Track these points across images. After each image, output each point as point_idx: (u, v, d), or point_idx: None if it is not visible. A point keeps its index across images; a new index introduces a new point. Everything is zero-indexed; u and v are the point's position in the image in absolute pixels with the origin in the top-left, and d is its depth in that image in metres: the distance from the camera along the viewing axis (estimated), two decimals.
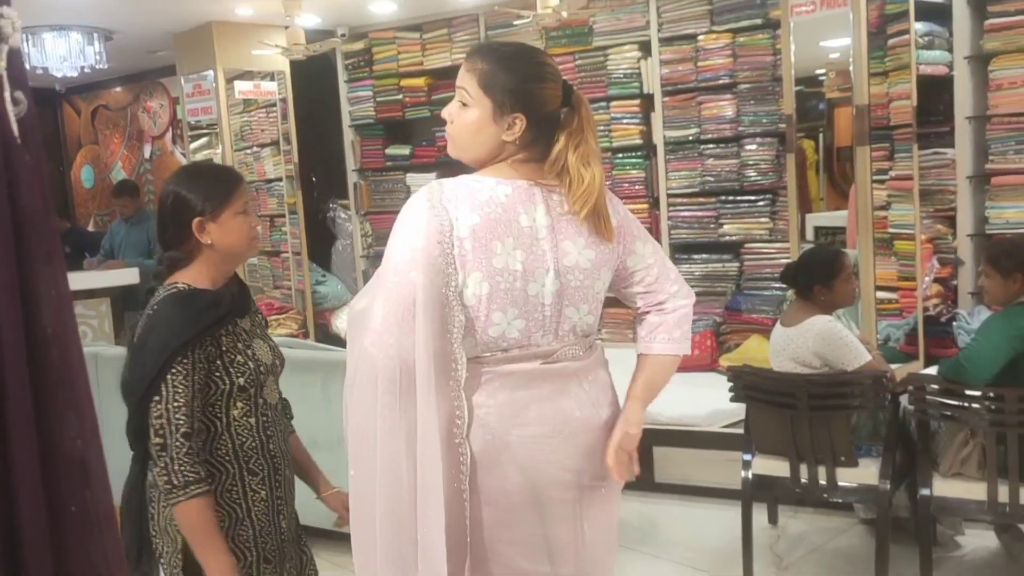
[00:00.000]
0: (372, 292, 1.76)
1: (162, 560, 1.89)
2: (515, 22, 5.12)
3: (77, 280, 5.38)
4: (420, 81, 6.52)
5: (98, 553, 0.92)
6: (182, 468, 1.77)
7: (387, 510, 1.70)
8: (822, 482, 3.32)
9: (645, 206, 5.72)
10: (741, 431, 3.69)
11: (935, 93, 4.63)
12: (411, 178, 6.65)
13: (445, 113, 1.85)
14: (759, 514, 3.79)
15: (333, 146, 6.87)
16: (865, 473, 3.28)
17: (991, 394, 3.02)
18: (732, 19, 5.32)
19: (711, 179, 5.54)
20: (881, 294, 4.39)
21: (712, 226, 5.59)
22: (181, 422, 1.78)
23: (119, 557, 0.96)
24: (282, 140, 6.71)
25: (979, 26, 4.50)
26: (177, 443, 1.77)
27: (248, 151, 7.16)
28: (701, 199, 5.60)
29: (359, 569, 1.81)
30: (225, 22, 6.01)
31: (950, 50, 4.61)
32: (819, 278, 3.42)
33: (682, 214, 5.66)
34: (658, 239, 5.49)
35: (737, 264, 5.56)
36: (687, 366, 5.06)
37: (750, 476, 3.47)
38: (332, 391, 3.43)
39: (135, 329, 1.92)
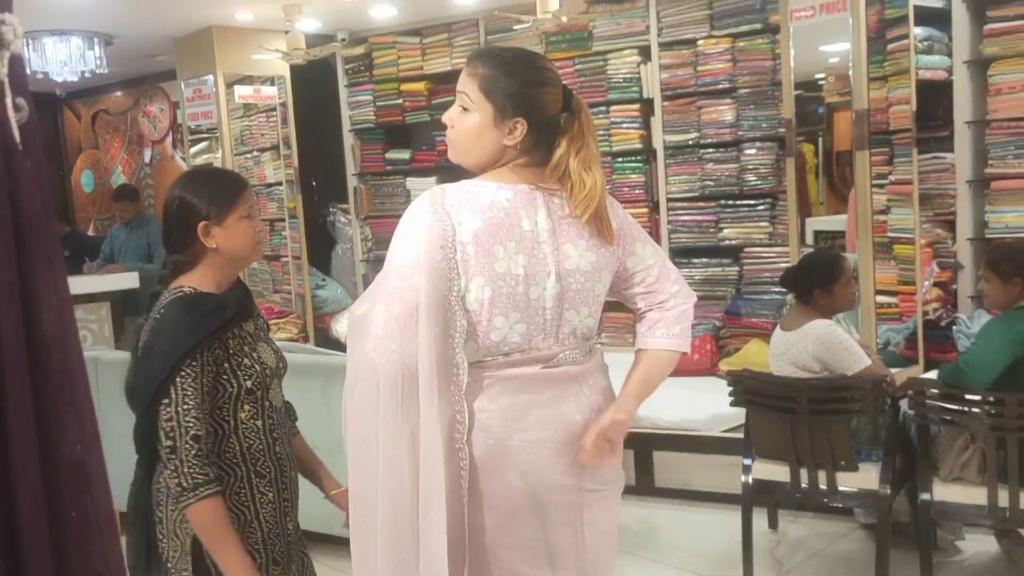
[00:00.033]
0: (373, 297, 1.76)
1: (169, 564, 1.90)
2: (515, 27, 5.13)
3: (77, 284, 5.38)
4: (420, 85, 6.53)
5: (98, 557, 0.92)
6: (191, 470, 1.78)
7: (389, 515, 1.71)
8: (822, 487, 3.32)
9: (645, 210, 5.73)
10: (741, 435, 3.69)
11: (934, 98, 4.64)
12: (411, 182, 6.66)
13: (446, 118, 1.85)
14: (759, 519, 3.79)
15: (333, 150, 6.88)
16: (865, 478, 3.28)
17: (991, 398, 3.02)
18: (732, 24, 5.33)
19: (711, 183, 5.55)
20: (881, 298, 4.39)
21: (712, 230, 5.59)
22: (191, 425, 1.79)
23: (119, 561, 0.96)
24: (282, 144, 6.72)
25: (978, 31, 4.51)
26: (187, 445, 1.78)
27: (248, 155, 7.17)
28: (701, 203, 5.61)
29: (358, 572, 1.81)
30: (225, 27, 6.02)
31: (949, 55, 4.62)
32: (819, 282, 3.42)
33: (682, 218, 5.66)
34: (658, 243, 5.49)
35: (737, 268, 5.57)
36: (687, 370, 5.09)
37: (750, 480, 3.47)
38: (332, 395, 3.43)
39: (139, 333, 1.92)
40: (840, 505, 3.54)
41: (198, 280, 1.92)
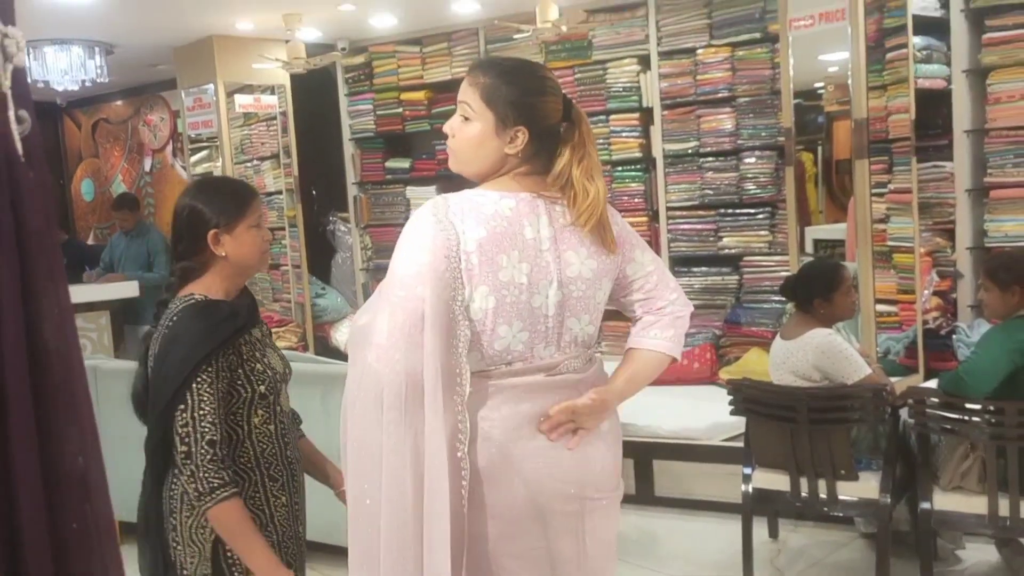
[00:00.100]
0: (374, 308, 1.76)
1: (186, 572, 1.90)
2: (515, 36, 5.15)
3: (77, 293, 5.37)
4: (420, 95, 6.54)
5: (98, 567, 0.92)
6: (207, 475, 1.80)
7: (391, 525, 1.70)
8: (822, 496, 3.31)
9: (644, 219, 5.74)
10: (741, 444, 3.68)
11: (933, 107, 4.65)
12: (411, 191, 6.67)
13: (447, 128, 1.86)
14: (759, 528, 3.79)
15: (333, 159, 6.89)
16: (865, 487, 3.27)
17: (991, 407, 3.02)
18: (731, 33, 5.35)
19: (710, 192, 5.55)
20: (881, 307, 4.39)
21: (711, 239, 5.60)
22: (206, 430, 1.81)
23: (119, 571, 0.96)
24: (282, 153, 6.73)
25: (977, 40, 4.52)
26: (202, 450, 1.80)
27: (248, 164, 7.18)
28: (700, 212, 5.61)
29: None
30: (226, 36, 6.04)
31: (948, 64, 4.63)
32: (819, 291, 3.42)
33: (681, 227, 5.67)
34: (658, 252, 5.47)
35: (737, 277, 5.57)
36: (687, 379, 5.10)
37: (750, 490, 3.46)
38: (331, 404, 3.43)
39: (148, 341, 1.94)
40: (840, 514, 3.54)
41: (207, 288, 1.94)
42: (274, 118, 6.78)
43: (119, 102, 8.46)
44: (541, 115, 1.80)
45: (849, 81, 3.93)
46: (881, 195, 4.66)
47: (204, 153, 6.83)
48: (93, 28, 5.76)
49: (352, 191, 6.93)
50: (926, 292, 4.59)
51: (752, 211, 5.47)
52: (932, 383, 3.59)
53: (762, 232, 5.45)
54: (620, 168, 5.83)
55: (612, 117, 5.79)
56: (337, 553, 2.72)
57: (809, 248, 5.13)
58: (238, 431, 1.91)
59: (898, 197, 4.64)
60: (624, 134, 5.77)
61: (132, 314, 5.89)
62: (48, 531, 0.85)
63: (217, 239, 1.93)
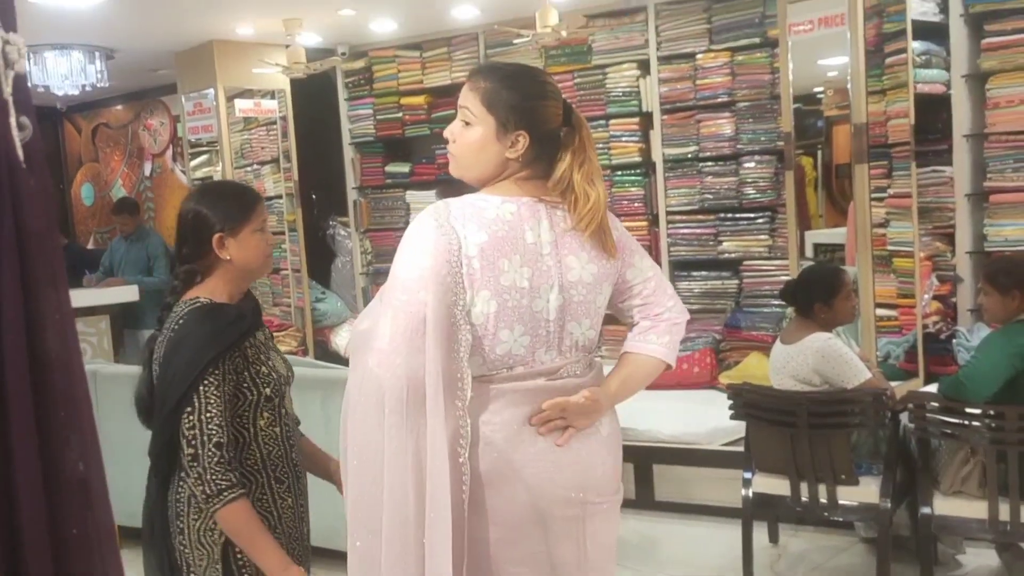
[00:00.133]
0: (376, 312, 1.76)
1: (193, 574, 1.90)
2: (515, 41, 5.15)
3: (77, 297, 5.37)
4: (420, 99, 6.55)
5: (99, 572, 0.92)
6: (214, 477, 1.80)
7: (393, 529, 1.70)
8: (823, 500, 3.31)
9: (644, 223, 5.74)
10: (741, 449, 3.68)
11: (933, 111, 4.65)
12: (411, 195, 6.68)
13: (447, 132, 1.86)
14: (759, 532, 3.78)
15: (333, 164, 6.90)
16: (866, 491, 3.27)
17: (991, 412, 3.02)
18: (731, 38, 5.36)
19: (710, 196, 5.56)
20: (880, 311, 4.39)
21: (711, 243, 5.60)
22: (213, 432, 1.82)
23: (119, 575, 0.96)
24: (282, 158, 6.73)
25: (976, 45, 4.53)
26: (209, 452, 1.80)
27: (248, 169, 7.18)
28: (700, 216, 5.62)
29: None
30: (226, 41, 6.05)
31: (947, 69, 4.64)
32: (819, 296, 3.42)
33: (681, 231, 5.67)
34: (657, 256, 5.52)
35: (736, 281, 5.57)
36: (687, 383, 5.09)
37: (750, 494, 3.46)
38: (331, 408, 3.43)
39: (153, 345, 1.94)
40: (840, 519, 3.54)
41: (212, 291, 1.95)
42: (274, 122, 6.78)
43: (119, 107, 8.46)
44: (542, 119, 1.80)
45: (849, 86, 3.94)
46: (881, 199, 4.67)
47: (204, 157, 6.83)
48: (94, 33, 5.76)
49: (352, 195, 6.93)
50: (926, 296, 4.59)
51: (752, 215, 5.47)
52: (932, 387, 3.58)
53: (762, 236, 5.45)
54: (620, 172, 5.83)
55: (612, 121, 5.80)
56: (337, 558, 2.71)
57: (809, 252, 5.14)
58: (244, 434, 1.92)
59: (898, 201, 4.64)
60: (624, 138, 5.78)
61: (132, 318, 5.89)
62: (49, 536, 0.86)
63: (222, 243, 1.94)
